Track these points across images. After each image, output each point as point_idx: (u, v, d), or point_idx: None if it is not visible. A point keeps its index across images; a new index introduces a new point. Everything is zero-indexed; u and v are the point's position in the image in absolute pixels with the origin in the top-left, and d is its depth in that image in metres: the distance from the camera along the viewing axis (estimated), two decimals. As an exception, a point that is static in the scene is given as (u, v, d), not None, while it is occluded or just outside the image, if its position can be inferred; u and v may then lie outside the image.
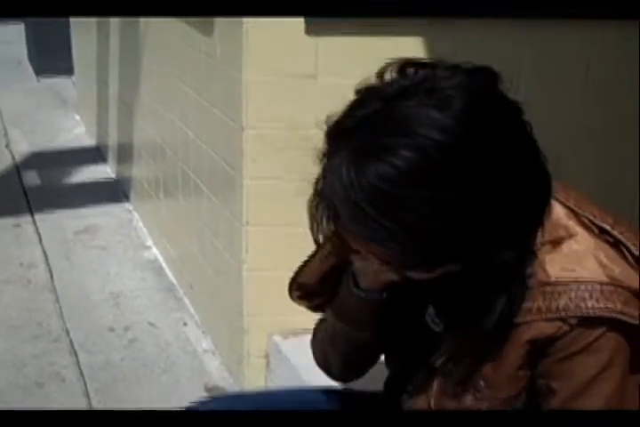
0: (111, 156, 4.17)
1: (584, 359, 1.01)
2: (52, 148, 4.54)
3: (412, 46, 1.92)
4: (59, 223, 3.58)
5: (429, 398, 1.14)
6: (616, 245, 1.05)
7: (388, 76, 0.97)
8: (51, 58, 5.68)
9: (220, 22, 2.15)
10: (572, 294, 0.99)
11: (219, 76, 2.19)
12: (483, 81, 0.96)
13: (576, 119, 2.11)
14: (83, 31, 4.37)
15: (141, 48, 3.10)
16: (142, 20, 3.00)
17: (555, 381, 1.03)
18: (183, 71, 2.59)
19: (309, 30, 1.93)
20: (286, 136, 2.02)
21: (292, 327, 2.19)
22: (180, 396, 2.35)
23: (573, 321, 0.99)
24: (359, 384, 1.37)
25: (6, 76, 5.86)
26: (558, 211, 1.06)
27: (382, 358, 1.30)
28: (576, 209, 1.07)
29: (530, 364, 1.05)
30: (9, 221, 3.59)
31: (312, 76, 1.98)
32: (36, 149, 4.51)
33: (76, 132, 4.81)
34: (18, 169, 4.25)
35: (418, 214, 0.91)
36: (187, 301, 2.91)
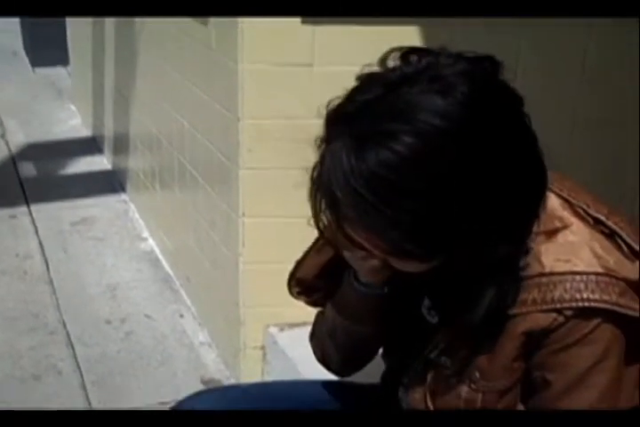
0: (107, 146, 4.15)
1: (579, 351, 1.00)
2: (48, 138, 4.53)
3: (408, 34, 1.90)
4: (55, 214, 3.57)
5: (425, 390, 1.14)
6: (611, 235, 1.05)
7: (390, 64, 0.96)
8: (46, 48, 5.65)
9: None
10: (568, 285, 0.99)
11: (214, 66, 2.17)
12: (485, 69, 0.95)
13: (572, 110, 2.10)
14: (78, 22, 4.35)
15: (137, 38, 3.08)
16: (137, 9, 2.98)
17: (550, 372, 1.03)
18: (179, 61, 2.58)
19: (305, 19, 1.92)
20: (283, 126, 2.00)
21: (288, 319, 2.19)
22: (177, 388, 2.35)
23: (569, 312, 0.99)
24: (355, 377, 1.36)
25: (1, 67, 5.84)
26: (553, 201, 1.05)
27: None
28: (571, 199, 1.07)
29: (525, 355, 1.05)
30: (5, 212, 3.58)
31: (308, 65, 1.96)
32: (31, 140, 4.49)
33: (72, 122, 4.79)
34: (14, 160, 4.24)
35: (418, 202, 0.90)
36: (183, 293, 2.91)
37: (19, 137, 4.56)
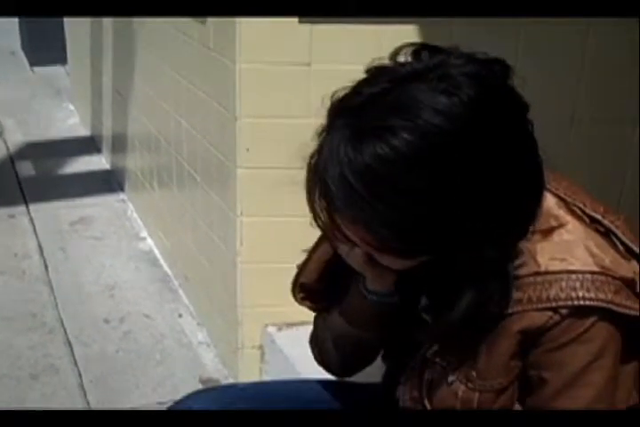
0: (105, 146, 4.15)
1: (575, 349, 1.00)
2: (47, 138, 4.53)
3: (407, 34, 1.90)
4: (53, 214, 3.57)
5: (421, 390, 1.14)
6: (607, 234, 1.05)
7: (401, 59, 0.96)
8: (44, 48, 5.65)
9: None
10: (563, 284, 0.99)
11: (212, 65, 2.17)
12: (495, 72, 0.95)
13: (572, 109, 2.10)
14: (77, 21, 4.34)
15: (135, 38, 3.08)
16: (136, 8, 2.98)
17: (546, 371, 1.03)
18: (177, 60, 2.57)
19: (303, 18, 1.91)
20: (281, 125, 2.00)
21: (286, 319, 2.19)
22: (175, 387, 2.35)
23: (564, 311, 0.99)
24: (354, 376, 1.36)
25: (0, 67, 5.83)
26: (549, 200, 1.05)
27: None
28: (567, 198, 1.07)
29: (521, 354, 1.05)
30: (3, 212, 3.58)
31: (306, 64, 1.96)
32: (30, 140, 4.49)
33: (71, 122, 4.79)
34: (12, 159, 4.24)
35: (410, 200, 0.90)
36: (181, 292, 2.91)
37: (17, 136, 4.56)
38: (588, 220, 1.05)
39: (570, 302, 0.98)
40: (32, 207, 3.63)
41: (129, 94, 3.36)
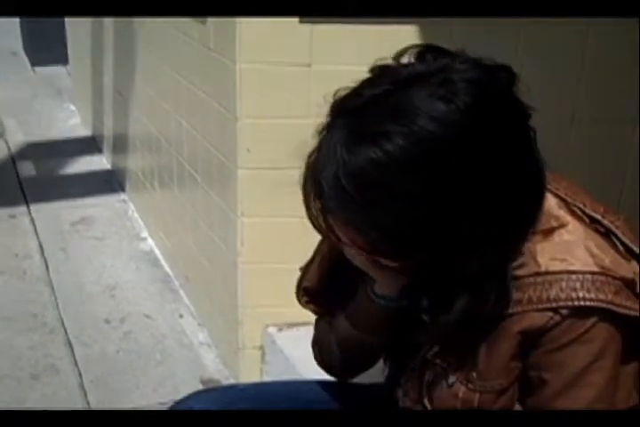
0: (107, 146, 4.15)
1: (575, 350, 1.00)
2: (48, 138, 4.53)
3: (407, 34, 1.90)
4: (54, 214, 3.57)
5: (422, 391, 1.13)
6: (607, 234, 1.05)
7: (405, 59, 0.96)
8: (46, 48, 5.65)
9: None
10: (563, 284, 0.99)
11: (213, 66, 2.17)
12: (498, 80, 0.94)
13: (572, 109, 2.10)
14: (78, 21, 4.34)
15: (136, 38, 3.08)
16: (136, 9, 2.98)
17: (546, 372, 1.03)
18: (177, 60, 2.57)
19: (303, 18, 1.91)
20: (281, 125, 2.00)
21: (287, 319, 2.19)
22: (176, 388, 2.34)
23: (564, 312, 0.99)
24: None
25: (1, 67, 5.84)
26: (549, 200, 1.05)
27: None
28: (567, 198, 1.06)
29: (521, 355, 1.04)
30: (4, 212, 3.58)
31: (307, 65, 1.96)
32: (31, 140, 4.49)
33: (72, 122, 4.79)
34: (13, 160, 4.24)
35: (407, 204, 0.90)
36: (182, 292, 2.91)
37: (18, 136, 4.56)
38: (588, 220, 1.05)
39: (570, 303, 0.98)
40: (33, 207, 3.63)
41: (130, 94, 3.36)
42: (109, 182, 3.91)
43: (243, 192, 2.10)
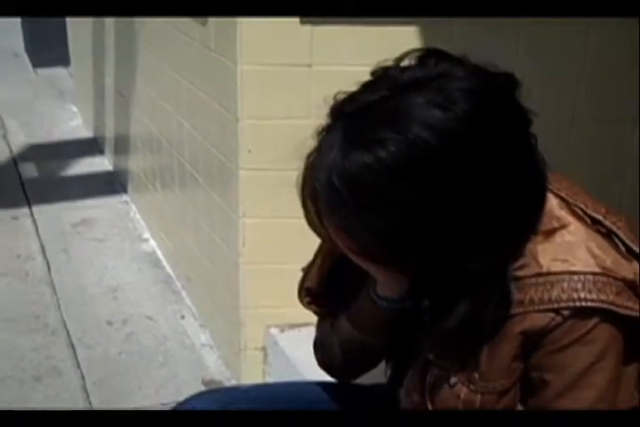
0: (108, 147, 4.15)
1: (577, 351, 1.00)
2: (50, 139, 4.53)
3: (408, 35, 1.90)
4: (56, 215, 3.57)
5: (424, 391, 1.13)
6: (608, 235, 1.04)
7: (407, 62, 0.97)
8: (47, 49, 5.65)
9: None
10: (565, 285, 0.99)
11: (213, 67, 2.17)
12: (498, 88, 0.94)
13: (572, 110, 2.10)
14: (79, 22, 4.34)
15: (137, 38, 3.08)
16: (137, 10, 2.98)
17: (548, 373, 1.03)
18: (178, 61, 2.57)
19: (304, 19, 1.91)
20: (282, 126, 2.00)
21: (289, 320, 2.18)
22: (178, 389, 2.34)
23: (566, 312, 0.99)
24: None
25: (3, 68, 5.84)
26: (551, 201, 1.05)
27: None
28: (568, 199, 1.06)
29: (523, 356, 1.04)
30: (6, 214, 3.58)
31: (307, 66, 1.96)
32: (33, 141, 4.50)
33: (74, 123, 4.79)
34: (15, 161, 4.24)
35: (402, 210, 0.91)
36: (184, 294, 2.90)
37: (20, 138, 4.56)
38: (589, 221, 1.05)
39: (572, 304, 0.98)
40: (35, 209, 3.63)
41: (131, 95, 3.36)
42: (111, 184, 3.92)
43: (244, 193, 2.10)
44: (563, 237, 1.02)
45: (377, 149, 0.89)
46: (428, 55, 0.96)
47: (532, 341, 1.02)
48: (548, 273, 1.00)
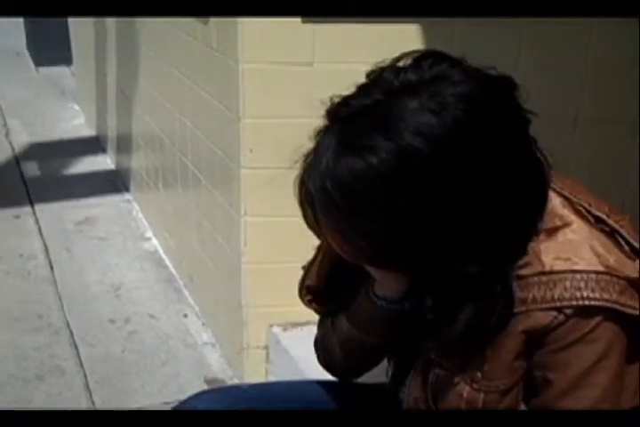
0: (110, 146, 4.15)
1: (580, 350, 1.00)
2: (52, 138, 4.54)
3: (409, 34, 1.90)
4: (58, 214, 3.58)
5: (426, 391, 1.13)
6: (612, 234, 1.04)
7: (403, 63, 0.96)
8: (49, 48, 5.66)
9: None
10: (568, 284, 0.98)
11: (215, 66, 2.17)
12: (493, 92, 0.94)
13: (573, 110, 2.09)
14: (81, 21, 4.35)
15: (139, 37, 3.08)
16: (139, 9, 2.98)
17: (551, 372, 1.02)
18: (180, 60, 2.57)
19: (306, 18, 1.91)
20: (284, 125, 2.00)
21: (291, 319, 2.18)
22: (180, 388, 2.35)
23: (569, 311, 0.98)
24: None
25: (5, 67, 5.85)
26: (553, 200, 1.04)
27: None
28: (571, 197, 1.06)
29: (526, 354, 1.04)
30: (9, 213, 3.58)
31: (309, 64, 1.96)
32: (35, 140, 4.50)
33: (76, 122, 4.80)
34: (17, 160, 4.25)
35: (393, 215, 0.91)
36: (187, 292, 2.91)
37: (22, 137, 4.57)
38: (592, 219, 1.05)
39: (574, 302, 0.98)
40: (37, 208, 3.63)
41: (133, 94, 3.36)
42: (113, 182, 3.92)
43: (246, 192, 2.10)
44: (565, 235, 1.02)
45: (368, 155, 0.90)
46: (424, 57, 0.95)
47: (535, 339, 1.01)
48: (551, 272, 0.99)
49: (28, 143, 4.46)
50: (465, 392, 1.07)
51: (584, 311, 0.98)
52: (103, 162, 4.18)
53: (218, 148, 2.28)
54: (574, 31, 1.99)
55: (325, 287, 1.25)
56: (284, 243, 2.12)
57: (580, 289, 0.98)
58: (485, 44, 1.83)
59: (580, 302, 0.97)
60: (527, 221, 1.00)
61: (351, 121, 0.93)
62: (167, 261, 3.13)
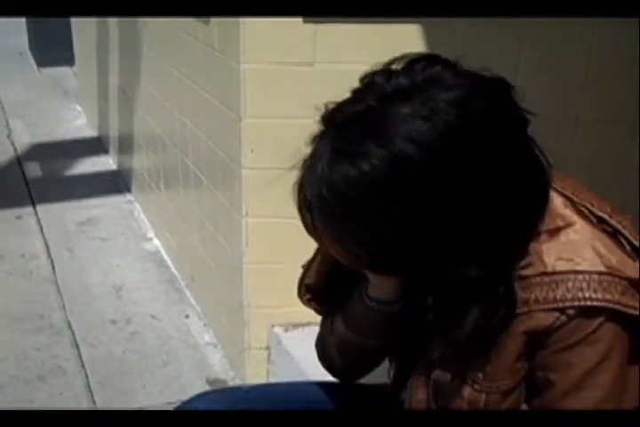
0: (112, 147, 4.16)
1: (582, 350, 1.00)
2: (54, 139, 4.54)
3: (409, 34, 1.89)
4: (60, 215, 3.58)
5: (428, 391, 1.13)
6: (614, 234, 1.04)
7: (396, 66, 0.96)
8: (52, 48, 5.66)
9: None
10: (570, 284, 0.98)
11: (216, 66, 2.17)
12: (486, 96, 0.93)
13: (574, 110, 2.09)
14: (83, 21, 4.35)
15: (141, 38, 3.08)
16: (141, 9, 2.98)
17: (553, 372, 1.02)
18: (181, 61, 2.57)
19: (307, 18, 1.91)
20: (285, 125, 2.00)
21: (292, 319, 2.18)
22: (182, 388, 2.35)
23: (571, 312, 0.98)
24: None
25: (7, 67, 5.86)
26: (555, 200, 1.04)
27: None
28: (573, 198, 1.06)
29: (528, 355, 1.04)
30: (11, 213, 3.59)
31: (310, 64, 1.96)
32: (37, 141, 4.51)
33: (78, 123, 4.80)
34: (19, 160, 4.25)
35: (385, 222, 0.92)
36: (188, 293, 2.91)
37: (24, 137, 4.57)
38: (595, 220, 1.04)
39: (577, 303, 0.97)
40: (39, 208, 3.64)
41: (135, 95, 3.36)
42: (115, 183, 3.92)
43: (247, 192, 2.10)
44: (568, 235, 1.02)
45: (361, 162, 0.90)
46: (416, 60, 0.95)
47: (537, 340, 1.01)
48: (553, 272, 0.99)
49: (30, 144, 4.47)
50: (467, 393, 1.07)
51: (586, 312, 0.98)
52: (105, 162, 4.19)
53: (219, 148, 2.27)
54: (575, 31, 1.99)
55: (324, 287, 1.25)
56: (285, 243, 2.12)
57: (582, 290, 0.97)
58: (486, 44, 1.83)
59: (583, 303, 0.97)
60: (527, 221, 0.99)
61: (345, 127, 0.93)
62: (169, 262, 3.13)
